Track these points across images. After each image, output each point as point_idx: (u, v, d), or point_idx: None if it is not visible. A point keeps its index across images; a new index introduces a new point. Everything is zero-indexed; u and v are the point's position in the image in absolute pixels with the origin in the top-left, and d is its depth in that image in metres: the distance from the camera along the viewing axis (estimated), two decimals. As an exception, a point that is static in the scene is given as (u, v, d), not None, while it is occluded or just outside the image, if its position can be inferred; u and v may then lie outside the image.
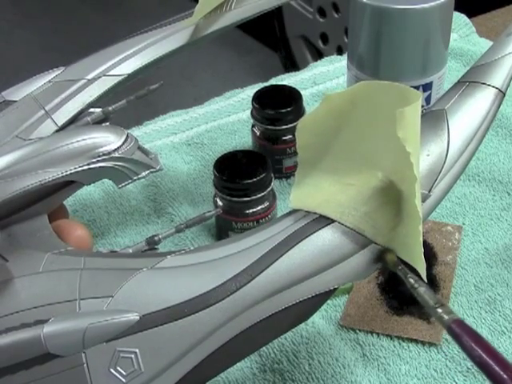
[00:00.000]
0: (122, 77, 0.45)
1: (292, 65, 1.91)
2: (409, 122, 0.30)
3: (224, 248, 0.33)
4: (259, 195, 0.52)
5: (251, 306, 0.32)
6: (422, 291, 0.31)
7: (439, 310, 0.29)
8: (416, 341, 0.47)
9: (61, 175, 0.36)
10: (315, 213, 0.33)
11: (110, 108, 0.44)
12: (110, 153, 0.37)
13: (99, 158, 0.37)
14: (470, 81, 0.37)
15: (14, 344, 0.31)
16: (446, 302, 0.49)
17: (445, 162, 0.35)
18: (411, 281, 0.31)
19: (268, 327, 0.33)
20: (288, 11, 1.87)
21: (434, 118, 0.36)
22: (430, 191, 0.34)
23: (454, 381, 0.45)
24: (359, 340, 0.48)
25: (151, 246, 0.37)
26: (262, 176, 0.52)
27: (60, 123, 0.42)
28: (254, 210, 0.53)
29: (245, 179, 0.52)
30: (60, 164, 0.36)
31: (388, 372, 0.46)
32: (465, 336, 0.28)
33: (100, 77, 0.44)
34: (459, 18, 0.85)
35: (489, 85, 0.37)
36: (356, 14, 0.56)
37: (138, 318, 0.31)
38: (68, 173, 0.36)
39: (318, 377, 0.45)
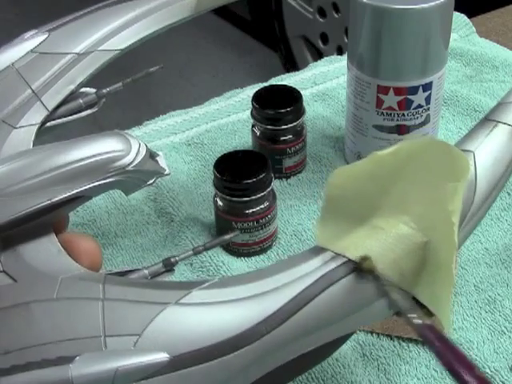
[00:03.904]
0: (116, 52, 0.41)
1: (292, 65, 1.91)
2: (459, 196, 0.31)
3: (252, 285, 0.32)
4: (259, 195, 0.52)
5: (279, 349, 0.32)
6: (395, 297, 0.31)
7: (411, 315, 0.30)
8: (416, 341, 0.47)
9: (73, 192, 0.34)
10: (343, 255, 0.33)
11: (105, 90, 0.41)
12: (123, 167, 0.35)
13: (113, 173, 0.35)
14: (498, 121, 0.37)
15: (41, 383, 0.30)
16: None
17: (470, 208, 0.34)
18: (385, 288, 0.31)
19: (292, 367, 0.33)
20: (288, 11, 1.87)
21: None
22: None
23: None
24: (359, 340, 0.48)
25: (168, 268, 0.36)
26: (261, 176, 0.52)
27: (50, 107, 0.39)
28: (254, 209, 0.53)
29: (245, 179, 0.52)
30: (72, 181, 0.35)
31: (388, 372, 0.46)
32: (435, 340, 0.28)
33: (92, 51, 0.40)
34: (459, 18, 0.85)
35: None
36: (356, 14, 0.56)
37: (167, 359, 0.30)
38: (80, 190, 0.35)
39: (317, 377, 0.45)
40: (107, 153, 0.35)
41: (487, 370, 0.45)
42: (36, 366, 0.30)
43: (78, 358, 0.30)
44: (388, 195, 0.34)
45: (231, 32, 2.36)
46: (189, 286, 0.32)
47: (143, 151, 0.36)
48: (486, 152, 0.36)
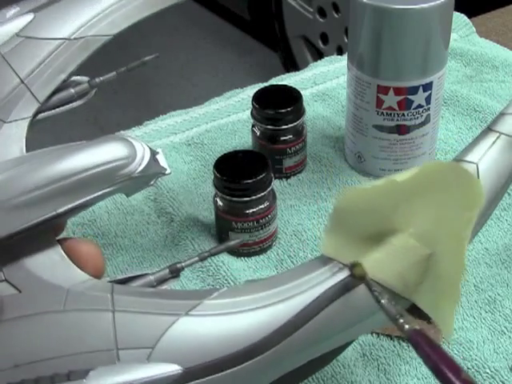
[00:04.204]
0: (108, 38, 0.39)
1: (292, 65, 1.91)
2: (472, 224, 0.32)
3: (263, 295, 0.32)
4: (259, 195, 0.52)
5: (289, 358, 0.32)
6: (385, 303, 0.31)
7: (401, 320, 0.30)
8: (416, 341, 0.47)
9: (78, 202, 0.34)
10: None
11: (98, 80, 0.39)
12: (129, 174, 0.34)
13: (118, 181, 0.34)
14: (501, 132, 0.37)
15: None
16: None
17: None
18: (375, 294, 0.32)
19: (300, 373, 0.34)
20: (288, 11, 1.87)
21: None
22: None
23: (454, 381, 0.45)
24: (359, 340, 0.48)
25: (174, 274, 0.36)
26: (261, 176, 0.52)
27: (41, 98, 0.37)
28: (254, 209, 0.53)
29: (245, 179, 0.52)
30: (78, 191, 0.34)
31: (388, 372, 0.46)
32: (423, 344, 0.29)
33: (82, 37, 0.38)
34: (459, 18, 0.85)
35: None
36: (356, 14, 0.56)
37: (180, 371, 0.30)
38: (85, 199, 0.34)
39: (318, 377, 0.45)
40: (113, 161, 0.34)
41: (487, 370, 0.45)
42: (48, 380, 0.29)
43: (91, 372, 0.29)
44: (399, 212, 0.34)
45: (231, 32, 2.36)
46: (198, 295, 0.32)
47: (147, 156, 0.35)
48: (489, 164, 0.36)
